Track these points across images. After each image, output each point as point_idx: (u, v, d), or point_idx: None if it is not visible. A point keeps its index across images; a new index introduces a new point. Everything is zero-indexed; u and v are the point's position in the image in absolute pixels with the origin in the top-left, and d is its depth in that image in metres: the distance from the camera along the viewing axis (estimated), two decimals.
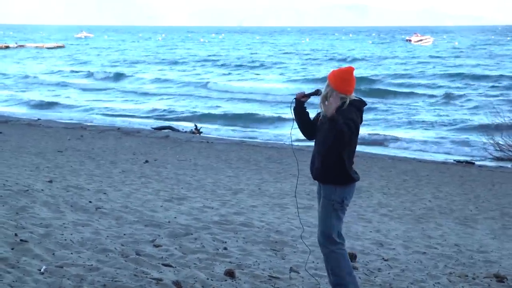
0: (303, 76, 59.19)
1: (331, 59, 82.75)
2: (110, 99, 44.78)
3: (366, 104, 6.59)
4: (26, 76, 58.13)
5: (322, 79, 46.45)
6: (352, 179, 6.52)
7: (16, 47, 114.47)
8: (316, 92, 6.67)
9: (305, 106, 6.70)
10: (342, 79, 6.47)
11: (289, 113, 7.07)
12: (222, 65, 74.36)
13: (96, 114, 36.50)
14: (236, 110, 37.90)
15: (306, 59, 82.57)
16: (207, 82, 52.88)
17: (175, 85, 53.35)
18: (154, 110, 38.14)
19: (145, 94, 48.06)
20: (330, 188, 6.52)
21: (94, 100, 43.11)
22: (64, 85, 53.23)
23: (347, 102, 6.41)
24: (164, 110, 38.10)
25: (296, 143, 24.37)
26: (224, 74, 63.46)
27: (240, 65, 72.91)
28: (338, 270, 6.53)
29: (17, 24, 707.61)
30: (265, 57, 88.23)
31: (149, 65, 75.24)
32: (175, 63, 78.27)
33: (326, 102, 6.39)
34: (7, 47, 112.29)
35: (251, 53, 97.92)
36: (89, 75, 61.90)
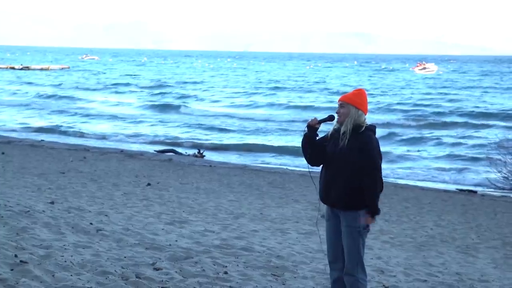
0: None
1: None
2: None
3: (375, 127, 6.60)
4: None
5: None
6: None
7: (21, 68, 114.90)
8: (330, 118, 6.59)
9: (317, 133, 6.60)
10: (363, 98, 6.50)
11: None
12: None
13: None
14: None
15: None
16: None
17: None
18: None
19: None
20: (353, 214, 6.40)
21: None
22: None
23: (364, 125, 6.43)
24: None
25: (300, 168, 24.40)
26: None
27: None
28: None
29: (27, 46, 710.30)
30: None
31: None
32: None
33: (349, 121, 6.38)
34: (12, 69, 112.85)
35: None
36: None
